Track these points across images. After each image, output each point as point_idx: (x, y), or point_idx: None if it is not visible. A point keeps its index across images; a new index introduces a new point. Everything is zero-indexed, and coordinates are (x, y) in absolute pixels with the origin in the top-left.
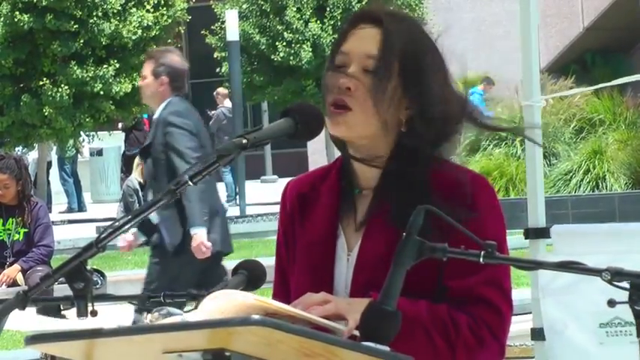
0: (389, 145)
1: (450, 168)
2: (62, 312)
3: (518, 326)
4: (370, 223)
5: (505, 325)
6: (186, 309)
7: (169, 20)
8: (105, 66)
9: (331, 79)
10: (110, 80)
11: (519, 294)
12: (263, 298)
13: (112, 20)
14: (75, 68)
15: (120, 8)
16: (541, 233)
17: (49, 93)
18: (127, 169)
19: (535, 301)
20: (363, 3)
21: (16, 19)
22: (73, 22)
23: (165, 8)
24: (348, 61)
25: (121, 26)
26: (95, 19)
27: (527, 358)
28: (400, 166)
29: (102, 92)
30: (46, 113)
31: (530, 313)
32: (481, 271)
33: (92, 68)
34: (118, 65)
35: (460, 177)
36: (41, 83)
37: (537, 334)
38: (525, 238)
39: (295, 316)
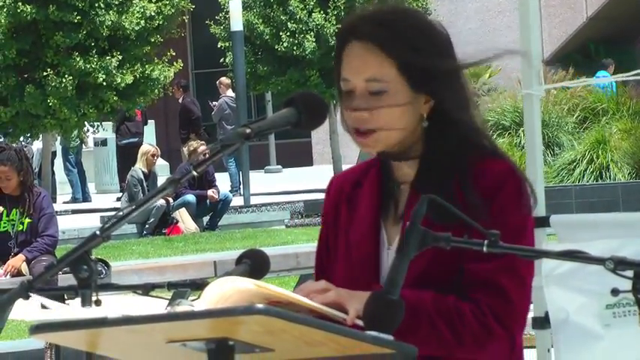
0: (419, 139)
1: (490, 158)
2: (66, 301)
3: None
4: (407, 216)
5: (516, 313)
6: (191, 298)
7: (172, 10)
8: (108, 57)
9: (344, 108)
10: (113, 71)
11: None
12: (264, 285)
13: (113, 11)
14: (78, 59)
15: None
16: (541, 222)
17: (53, 83)
18: (122, 159)
19: (536, 289)
20: None
21: (19, 10)
22: (75, 13)
23: None
24: (352, 87)
25: (122, 17)
26: (97, 10)
27: (530, 348)
28: (433, 158)
29: (105, 83)
30: (50, 104)
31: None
32: (499, 257)
33: (95, 59)
34: (120, 56)
35: (491, 167)
36: (45, 74)
37: (539, 322)
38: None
39: (297, 303)
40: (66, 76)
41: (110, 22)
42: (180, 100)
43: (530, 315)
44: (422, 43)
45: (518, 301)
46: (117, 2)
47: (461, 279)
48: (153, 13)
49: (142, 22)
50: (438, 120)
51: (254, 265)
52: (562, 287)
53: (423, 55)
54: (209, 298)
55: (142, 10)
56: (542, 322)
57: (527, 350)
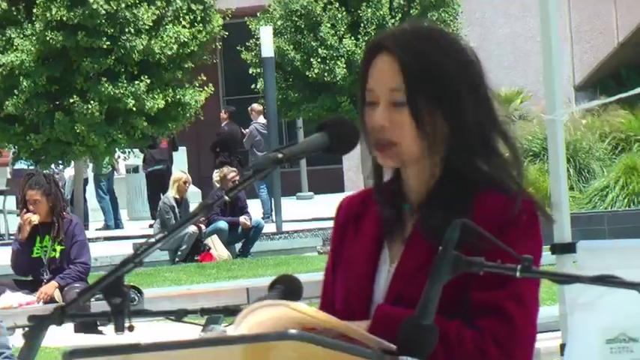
0: (438, 159)
1: (500, 191)
2: (99, 328)
3: (546, 343)
4: (413, 237)
5: (519, 339)
6: (224, 324)
7: (208, 37)
8: (137, 82)
9: (366, 119)
10: (143, 96)
11: (543, 311)
12: (298, 306)
13: (143, 37)
14: (107, 85)
15: (152, 24)
16: (567, 248)
17: (80, 110)
18: (150, 187)
19: (562, 317)
20: (397, 19)
21: (48, 38)
22: (105, 39)
23: (201, 24)
24: (376, 98)
25: (153, 42)
26: (127, 35)
27: None
28: (446, 183)
29: (135, 108)
30: (78, 130)
31: (559, 330)
32: (506, 286)
33: (124, 84)
34: (149, 81)
35: (505, 202)
36: (72, 100)
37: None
38: (552, 254)
39: (333, 328)
40: (92, 102)
41: (141, 47)
42: (223, 125)
43: (558, 342)
44: (443, 62)
45: (522, 326)
46: (147, 27)
47: (467, 305)
48: (186, 39)
49: (175, 47)
50: (457, 143)
51: (287, 290)
52: (580, 318)
53: (445, 75)
54: (242, 324)
55: (176, 36)
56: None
57: None
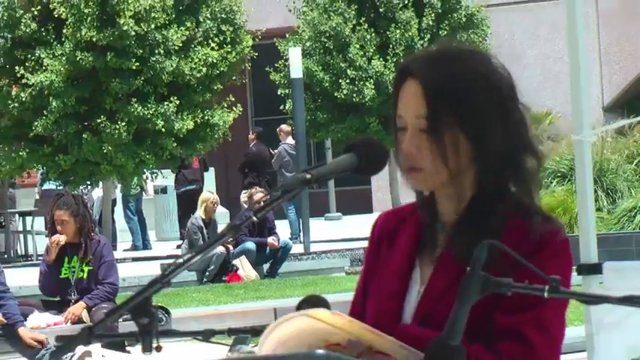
0: (467, 183)
1: (528, 216)
2: (127, 347)
3: None
4: (443, 257)
5: None
6: (251, 345)
7: (238, 57)
8: (166, 103)
9: (398, 147)
10: (172, 117)
11: (569, 332)
12: (321, 314)
13: (173, 57)
14: (136, 105)
15: (181, 45)
16: (593, 269)
17: (108, 130)
18: (181, 207)
19: (589, 337)
20: (426, 40)
21: (78, 58)
22: (134, 60)
23: (230, 46)
24: (404, 124)
25: (182, 63)
26: (157, 56)
27: None
28: (475, 205)
29: (164, 129)
30: (105, 151)
31: (585, 350)
32: (530, 310)
33: (153, 105)
34: (178, 102)
35: (533, 228)
36: (100, 121)
37: None
38: (578, 274)
39: (358, 337)
40: (119, 122)
41: (170, 69)
42: (251, 145)
43: None
44: (470, 85)
45: (542, 354)
46: (176, 48)
47: (491, 329)
48: (215, 60)
49: (204, 69)
50: (484, 166)
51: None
52: (606, 338)
53: (471, 98)
54: (267, 342)
55: (205, 58)
56: None
57: None
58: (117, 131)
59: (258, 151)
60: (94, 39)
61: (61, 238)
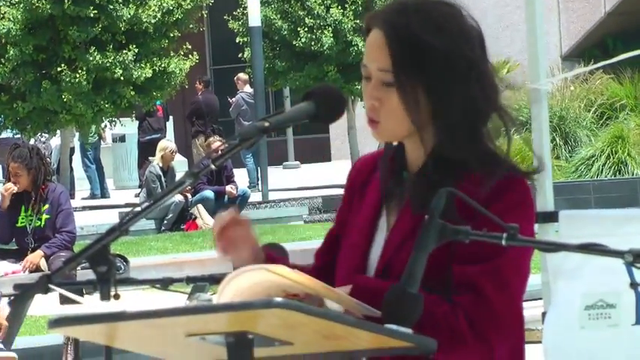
0: (430, 135)
1: (490, 170)
2: (85, 295)
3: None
4: (406, 206)
5: (496, 322)
6: (209, 292)
7: (192, 4)
8: (124, 51)
9: (363, 92)
10: (130, 65)
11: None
12: (280, 269)
13: (131, 5)
14: (95, 54)
15: None
16: (549, 217)
17: (68, 79)
18: (142, 156)
19: (545, 284)
20: None
21: (34, 5)
22: (92, 8)
23: None
24: (368, 74)
25: (140, 11)
26: (115, 4)
27: (536, 343)
28: (436, 157)
29: (122, 78)
30: (65, 99)
31: (541, 298)
32: (487, 261)
33: (112, 54)
34: (137, 50)
35: (492, 178)
36: (59, 69)
37: None
38: (535, 223)
39: (315, 291)
40: (80, 71)
41: (128, 16)
42: (199, 95)
43: (541, 310)
44: (433, 38)
45: (501, 308)
46: None
47: (449, 280)
48: (171, 7)
49: (159, 15)
50: (442, 121)
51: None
52: (565, 285)
53: (434, 52)
54: (225, 291)
55: (160, 3)
56: None
57: (533, 345)
58: (77, 80)
59: (205, 100)
60: None
61: (15, 187)
